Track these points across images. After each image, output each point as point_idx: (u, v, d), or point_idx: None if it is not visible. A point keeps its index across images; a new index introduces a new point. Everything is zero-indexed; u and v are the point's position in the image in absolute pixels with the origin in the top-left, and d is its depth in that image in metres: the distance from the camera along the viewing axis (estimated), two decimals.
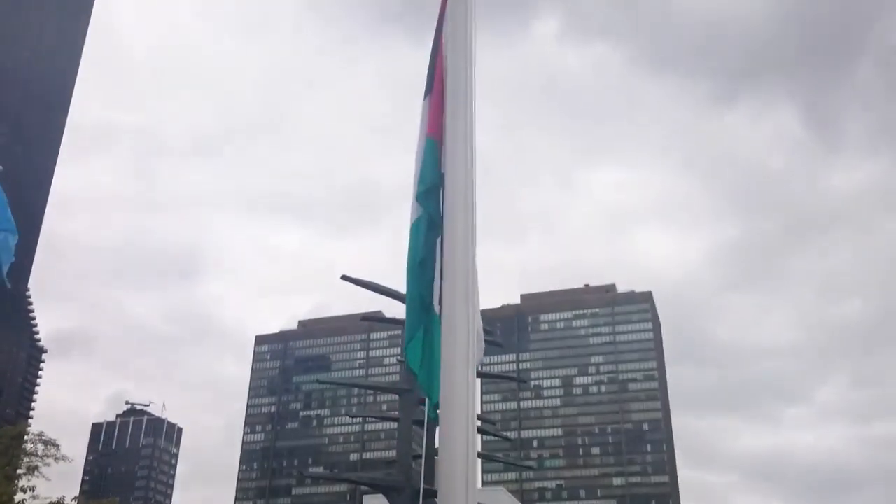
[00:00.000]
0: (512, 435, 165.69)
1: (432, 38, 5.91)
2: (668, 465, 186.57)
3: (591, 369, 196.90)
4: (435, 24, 5.93)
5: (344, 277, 38.36)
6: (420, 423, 37.91)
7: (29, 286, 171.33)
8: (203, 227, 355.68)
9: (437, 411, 4.84)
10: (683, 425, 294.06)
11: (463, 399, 4.75)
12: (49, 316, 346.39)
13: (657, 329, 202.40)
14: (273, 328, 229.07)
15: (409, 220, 5.39)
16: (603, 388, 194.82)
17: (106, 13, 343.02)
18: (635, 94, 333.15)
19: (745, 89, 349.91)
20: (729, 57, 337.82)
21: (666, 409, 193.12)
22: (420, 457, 37.32)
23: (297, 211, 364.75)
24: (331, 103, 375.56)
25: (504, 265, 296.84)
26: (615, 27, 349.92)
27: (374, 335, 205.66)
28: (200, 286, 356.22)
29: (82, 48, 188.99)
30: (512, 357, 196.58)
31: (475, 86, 5.55)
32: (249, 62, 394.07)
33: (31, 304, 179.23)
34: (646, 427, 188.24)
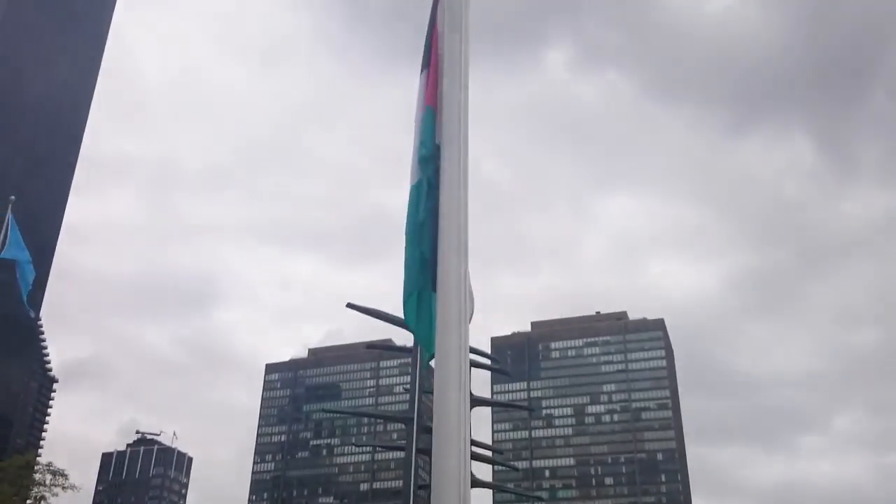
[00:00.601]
0: (523, 465, 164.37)
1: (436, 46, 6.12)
2: (682, 496, 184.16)
3: (604, 398, 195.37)
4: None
5: (350, 305, 38.35)
6: (428, 452, 37.57)
7: (41, 316, 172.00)
8: (216, 256, 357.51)
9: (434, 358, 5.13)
10: (698, 455, 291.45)
11: (456, 350, 5.02)
12: (62, 346, 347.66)
13: (670, 357, 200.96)
14: (285, 356, 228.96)
15: (410, 183, 5.67)
16: (616, 417, 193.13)
17: (122, 45, 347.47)
18: (648, 123, 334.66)
19: (758, 117, 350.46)
20: (741, 85, 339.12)
21: (680, 439, 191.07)
22: (428, 486, 36.95)
23: (309, 240, 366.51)
24: (343, 134, 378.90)
25: (516, 293, 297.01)
26: (627, 56, 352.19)
27: (383, 363, 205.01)
28: (213, 315, 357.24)
29: (96, 80, 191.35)
30: (523, 385, 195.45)
31: (468, 57, 5.86)
32: (263, 94, 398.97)
33: (42, 333, 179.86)
34: (660, 457, 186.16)
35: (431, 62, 5.91)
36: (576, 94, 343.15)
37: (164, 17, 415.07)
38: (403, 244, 5.61)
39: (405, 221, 5.61)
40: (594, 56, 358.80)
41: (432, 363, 5.05)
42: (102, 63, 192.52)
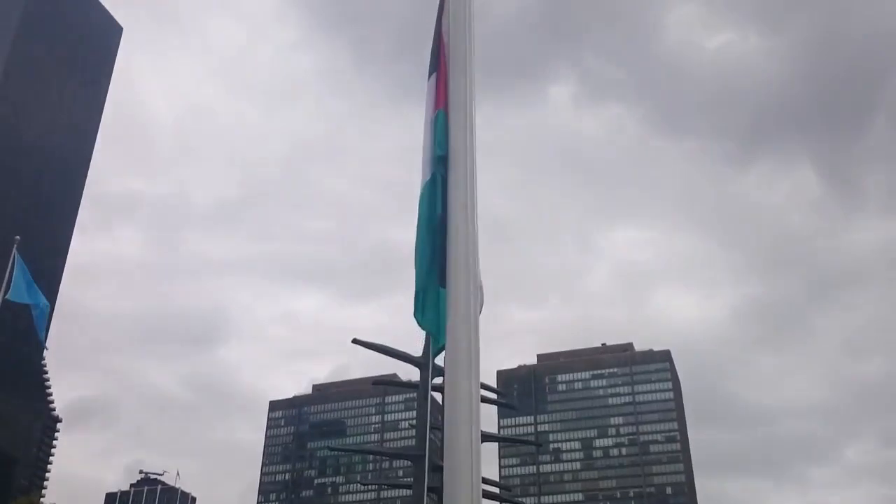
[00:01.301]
0: (532, 501, 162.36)
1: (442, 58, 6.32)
2: None
3: (611, 431, 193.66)
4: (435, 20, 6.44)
5: (355, 341, 38.15)
6: (435, 490, 37.15)
7: (45, 355, 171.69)
8: (222, 293, 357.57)
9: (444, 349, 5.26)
10: (707, 488, 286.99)
11: (466, 346, 5.09)
12: (66, 385, 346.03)
13: (677, 389, 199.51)
14: (291, 393, 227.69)
15: (421, 181, 5.85)
16: (624, 451, 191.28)
17: (130, 85, 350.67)
18: (652, 155, 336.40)
19: (763, 149, 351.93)
20: (745, 117, 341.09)
21: (689, 472, 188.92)
22: None
23: (316, 276, 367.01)
24: (349, 171, 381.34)
25: (522, 326, 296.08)
26: (630, 90, 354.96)
27: (388, 398, 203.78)
28: (219, 352, 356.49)
29: (100, 119, 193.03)
30: (529, 419, 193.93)
31: (475, 61, 6.10)
32: (271, 132, 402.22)
33: (46, 373, 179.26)
34: (669, 491, 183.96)
35: (440, 66, 6.11)
36: (580, 129, 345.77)
37: (173, 57, 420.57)
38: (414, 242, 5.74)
39: (416, 218, 5.73)
40: (598, 91, 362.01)
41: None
42: (111, 102, 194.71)
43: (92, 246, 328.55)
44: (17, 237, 24.22)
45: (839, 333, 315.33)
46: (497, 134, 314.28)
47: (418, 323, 5.62)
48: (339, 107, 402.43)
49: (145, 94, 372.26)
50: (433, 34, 6.40)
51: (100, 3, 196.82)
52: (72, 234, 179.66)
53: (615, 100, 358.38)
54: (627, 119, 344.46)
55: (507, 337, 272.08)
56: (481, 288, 5.61)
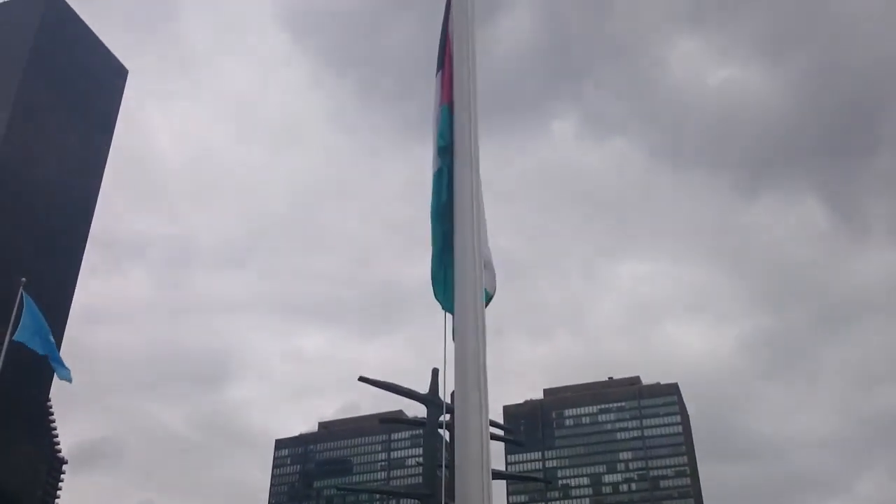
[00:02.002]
0: None
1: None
2: None
3: (620, 466, 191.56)
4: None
5: (361, 379, 38.00)
6: None
7: (50, 396, 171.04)
8: (230, 333, 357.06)
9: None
10: None
11: (473, 319, 5.34)
12: (73, 426, 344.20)
13: (686, 422, 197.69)
14: (300, 431, 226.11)
15: (432, 171, 6.30)
16: (633, 486, 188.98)
17: (138, 126, 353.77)
18: (657, 188, 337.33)
19: (768, 181, 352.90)
20: (748, 150, 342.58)
21: None
22: None
23: (324, 314, 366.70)
24: (356, 209, 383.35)
25: (529, 361, 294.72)
26: (633, 124, 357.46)
27: (395, 435, 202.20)
28: (227, 392, 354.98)
29: (105, 160, 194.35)
30: (537, 455, 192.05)
31: (477, 57, 6.44)
32: (278, 172, 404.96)
33: (52, 414, 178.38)
34: None
35: (445, 62, 6.50)
36: (585, 163, 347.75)
37: (181, 99, 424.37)
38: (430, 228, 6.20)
39: (430, 206, 6.20)
40: (601, 125, 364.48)
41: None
42: (119, 144, 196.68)
43: (100, 287, 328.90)
44: (23, 279, 24.28)
45: (848, 364, 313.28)
46: (502, 169, 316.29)
47: (437, 299, 6.09)
48: (345, 146, 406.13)
49: (153, 136, 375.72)
50: (440, 33, 6.81)
51: (105, 47, 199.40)
52: (77, 275, 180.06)
53: (619, 134, 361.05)
54: (632, 153, 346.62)
55: (514, 372, 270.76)
56: (493, 271, 6.01)
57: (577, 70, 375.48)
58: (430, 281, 6.16)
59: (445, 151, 6.16)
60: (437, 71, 6.61)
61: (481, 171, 6.10)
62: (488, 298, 5.86)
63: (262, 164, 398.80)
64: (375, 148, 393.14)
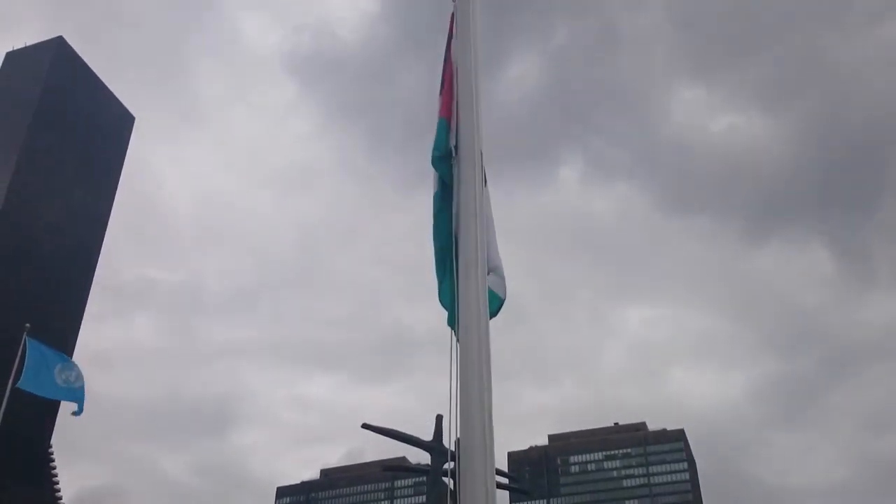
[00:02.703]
0: None
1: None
2: None
3: None
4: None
5: (364, 426, 37.72)
6: None
7: (52, 443, 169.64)
8: (236, 379, 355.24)
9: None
10: None
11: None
12: (75, 473, 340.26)
13: (693, 469, 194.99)
14: (304, 478, 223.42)
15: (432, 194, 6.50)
16: None
17: (145, 172, 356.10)
18: (663, 233, 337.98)
19: (774, 227, 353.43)
20: (754, 196, 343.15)
21: None
22: None
23: (329, 360, 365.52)
24: (362, 254, 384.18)
25: (535, 407, 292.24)
26: (637, 169, 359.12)
27: (398, 483, 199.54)
28: (232, 438, 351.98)
29: (111, 206, 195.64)
30: (542, 503, 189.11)
31: (481, 72, 6.66)
32: (285, 217, 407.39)
33: (53, 461, 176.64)
34: None
35: (445, 82, 6.82)
36: (591, 209, 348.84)
37: (188, 146, 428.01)
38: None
39: (432, 220, 6.40)
40: (606, 171, 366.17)
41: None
42: (127, 191, 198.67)
43: (106, 333, 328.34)
44: (28, 325, 24.29)
45: (857, 410, 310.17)
46: (509, 215, 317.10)
47: (444, 305, 6.18)
48: (352, 192, 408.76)
49: (161, 183, 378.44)
50: (443, 57, 7.10)
51: (113, 94, 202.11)
52: (81, 321, 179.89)
53: (625, 180, 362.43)
54: (637, 199, 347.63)
55: (520, 418, 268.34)
56: (503, 276, 6.19)
57: (582, 117, 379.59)
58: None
59: (440, 161, 6.36)
60: (440, 92, 6.86)
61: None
62: (499, 304, 6.03)
63: (270, 209, 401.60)
64: (382, 193, 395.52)
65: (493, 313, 5.82)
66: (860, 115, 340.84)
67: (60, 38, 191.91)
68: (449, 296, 5.95)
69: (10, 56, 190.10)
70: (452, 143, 6.31)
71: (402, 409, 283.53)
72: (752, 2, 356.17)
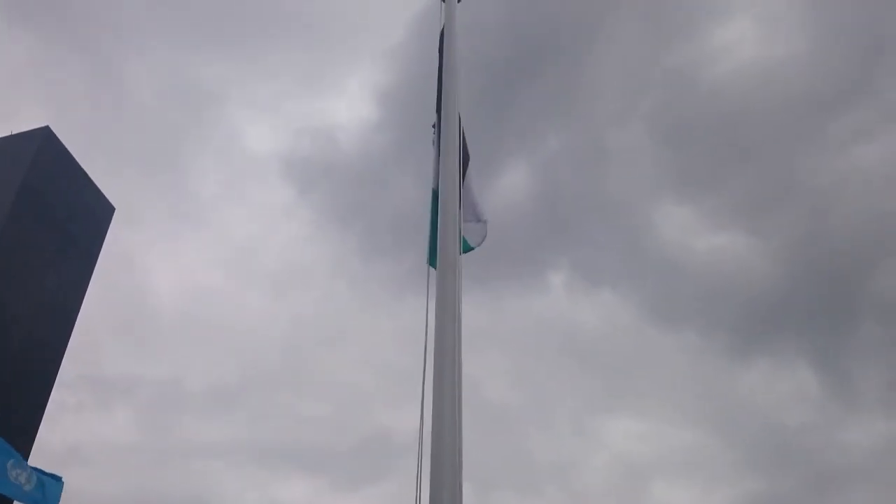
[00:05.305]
0: None
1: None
2: None
3: None
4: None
5: None
6: None
7: None
8: (210, 479, 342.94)
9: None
10: None
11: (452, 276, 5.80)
12: None
13: None
14: None
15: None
16: None
17: (127, 265, 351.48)
18: (649, 345, 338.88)
19: (759, 344, 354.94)
20: (739, 313, 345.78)
21: None
22: None
23: (310, 462, 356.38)
24: (349, 357, 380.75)
25: None
26: (624, 280, 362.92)
27: None
28: None
29: (83, 298, 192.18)
30: None
31: (460, 100, 7.35)
32: (273, 317, 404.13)
33: None
34: None
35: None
36: (576, 317, 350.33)
37: (177, 241, 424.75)
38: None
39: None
40: (591, 280, 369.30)
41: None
42: (109, 283, 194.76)
43: (83, 427, 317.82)
44: None
45: None
46: (493, 321, 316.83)
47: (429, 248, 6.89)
48: (343, 294, 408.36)
49: (145, 277, 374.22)
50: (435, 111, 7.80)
51: (95, 185, 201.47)
52: (43, 414, 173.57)
53: (611, 290, 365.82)
54: (622, 309, 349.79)
55: None
56: (484, 224, 6.97)
57: (568, 225, 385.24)
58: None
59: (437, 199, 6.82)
60: (435, 127, 7.82)
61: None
62: (469, 249, 6.78)
63: (259, 309, 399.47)
64: (373, 295, 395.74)
65: (465, 252, 6.52)
66: (842, 231, 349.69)
67: (47, 127, 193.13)
68: (433, 239, 6.73)
69: None
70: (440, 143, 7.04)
71: None
72: (730, 122, 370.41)
